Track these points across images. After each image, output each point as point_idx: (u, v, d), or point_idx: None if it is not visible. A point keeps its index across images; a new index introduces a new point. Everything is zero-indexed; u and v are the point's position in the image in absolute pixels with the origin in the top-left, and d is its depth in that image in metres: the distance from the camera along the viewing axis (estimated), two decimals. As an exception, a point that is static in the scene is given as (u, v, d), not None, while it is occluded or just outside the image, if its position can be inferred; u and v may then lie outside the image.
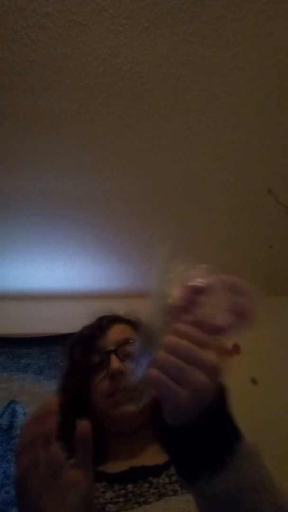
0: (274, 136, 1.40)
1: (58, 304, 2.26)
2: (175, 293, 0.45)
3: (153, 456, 0.71)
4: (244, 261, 2.06)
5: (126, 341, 0.80)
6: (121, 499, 0.62)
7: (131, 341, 0.81)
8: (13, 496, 1.71)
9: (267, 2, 1.03)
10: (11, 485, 1.76)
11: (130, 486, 0.64)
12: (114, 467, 0.69)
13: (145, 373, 0.43)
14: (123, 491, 0.64)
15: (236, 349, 2.17)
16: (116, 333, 0.83)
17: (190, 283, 0.45)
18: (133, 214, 1.72)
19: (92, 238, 1.86)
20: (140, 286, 2.20)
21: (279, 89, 1.25)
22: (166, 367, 0.41)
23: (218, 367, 0.42)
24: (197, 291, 0.45)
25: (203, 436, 0.41)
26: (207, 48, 1.13)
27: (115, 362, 0.76)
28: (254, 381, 2.06)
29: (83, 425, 0.48)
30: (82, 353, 0.82)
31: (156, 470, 0.67)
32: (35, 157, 1.42)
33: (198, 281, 0.45)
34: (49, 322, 2.16)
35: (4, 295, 2.22)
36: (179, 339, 0.42)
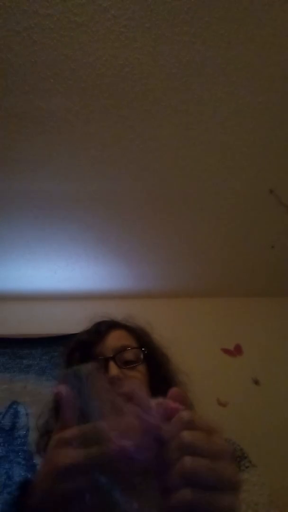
0: (276, 136, 1.40)
1: (60, 304, 2.27)
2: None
3: None
4: (246, 262, 2.06)
5: (124, 348, 0.81)
6: None
7: (129, 347, 0.81)
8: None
9: (268, 2, 1.03)
10: (13, 486, 1.75)
11: None
12: None
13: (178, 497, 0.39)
14: None
15: (238, 349, 2.17)
16: (114, 339, 0.83)
17: None
18: (135, 214, 1.72)
19: (94, 239, 1.86)
20: (142, 287, 2.20)
21: (280, 90, 1.25)
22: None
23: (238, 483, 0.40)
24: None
25: None
26: (208, 49, 1.13)
27: (113, 369, 0.76)
28: (256, 382, 2.05)
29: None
30: (80, 359, 0.82)
31: None
32: (36, 158, 1.43)
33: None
34: (51, 322, 2.16)
35: (5, 295, 2.22)
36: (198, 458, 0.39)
